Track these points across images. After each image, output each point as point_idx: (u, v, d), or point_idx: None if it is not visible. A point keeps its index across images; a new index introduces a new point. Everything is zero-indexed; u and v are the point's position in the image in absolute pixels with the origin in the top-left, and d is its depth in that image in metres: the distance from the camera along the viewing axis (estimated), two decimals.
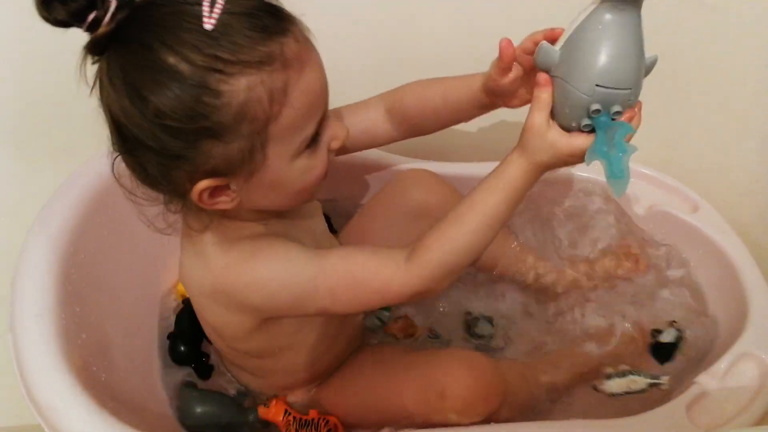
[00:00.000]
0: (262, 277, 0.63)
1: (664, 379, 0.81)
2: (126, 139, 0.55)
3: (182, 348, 0.85)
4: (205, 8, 0.52)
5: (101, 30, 0.52)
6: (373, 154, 0.95)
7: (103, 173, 0.80)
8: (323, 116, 0.60)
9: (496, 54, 0.66)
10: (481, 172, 0.95)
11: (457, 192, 0.89)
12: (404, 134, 0.78)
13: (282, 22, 0.55)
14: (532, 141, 0.60)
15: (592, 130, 0.59)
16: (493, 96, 0.70)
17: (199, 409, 0.79)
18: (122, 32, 0.52)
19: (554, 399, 0.84)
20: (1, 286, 0.72)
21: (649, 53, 0.59)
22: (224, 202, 0.59)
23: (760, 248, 0.91)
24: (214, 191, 0.58)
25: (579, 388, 0.85)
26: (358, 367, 0.82)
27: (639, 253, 0.94)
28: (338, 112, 0.74)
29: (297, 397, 0.82)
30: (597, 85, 0.57)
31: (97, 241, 0.79)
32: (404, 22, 0.92)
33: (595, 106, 0.57)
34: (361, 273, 0.63)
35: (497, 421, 0.74)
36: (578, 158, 0.60)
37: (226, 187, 0.59)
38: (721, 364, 0.77)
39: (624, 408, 0.81)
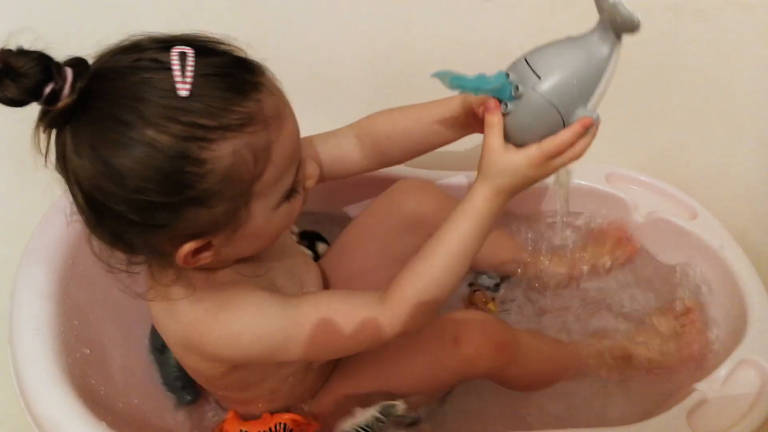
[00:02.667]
0: (231, 331, 0.61)
1: (399, 405, 0.77)
2: (98, 211, 0.52)
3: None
4: (177, 74, 0.49)
5: (62, 103, 0.48)
6: None
7: None
8: (299, 162, 0.59)
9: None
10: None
11: (453, 200, 0.89)
12: (376, 161, 0.74)
13: (254, 77, 0.53)
14: (492, 165, 0.60)
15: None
16: (473, 116, 0.67)
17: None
18: (86, 103, 0.49)
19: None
20: (0, 299, 0.72)
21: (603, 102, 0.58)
22: (206, 257, 0.57)
23: (758, 255, 0.91)
24: (196, 250, 0.56)
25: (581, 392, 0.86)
26: (359, 355, 0.79)
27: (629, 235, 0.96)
28: (310, 141, 0.72)
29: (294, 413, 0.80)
30: (525, 59, 0.57)
31: None
32: (402, 34, 0.92)
33: (512, 75, 0.57)
34: (335, 319, 0.62)
35: (508, 378, 0.79)
36: (538, 167, 0.59)
37: (208, 244, 0.56)
38: (721, 371, 0.77)
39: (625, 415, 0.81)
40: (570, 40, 0.58)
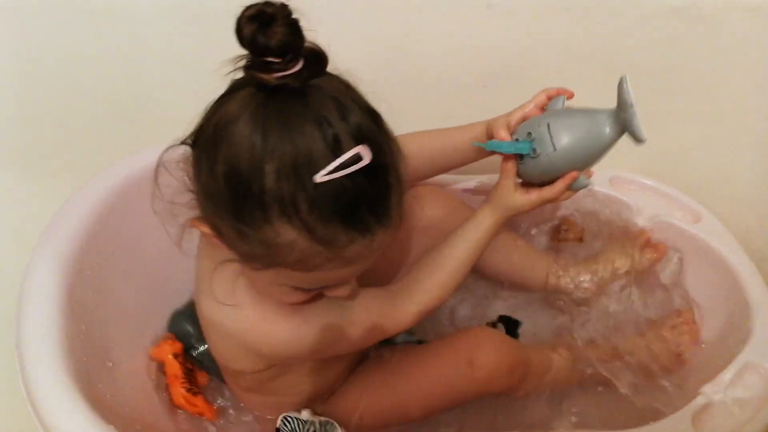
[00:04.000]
0: (288, 339, 0.65)
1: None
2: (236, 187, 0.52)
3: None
4: (336, 163, 0.49)
5: (293, 81, 0.50)
6: None
7: (108, 191, 0.81)
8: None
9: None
10: (487, 183, 0.97)
11: (465, 205, 0.90)
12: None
13: (374, 227, 0.54)
14: (502, 198, 0.72)
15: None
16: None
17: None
18: (310, 92, 0.51)
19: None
20: (8, 304, 0.72)
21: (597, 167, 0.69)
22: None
23: (762, 258, 0.91)
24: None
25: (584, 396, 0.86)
26: (374, 367, 0.83)
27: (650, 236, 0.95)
28: None
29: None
30: (548, 126, 0.67)
31: (102, 259, 0.79)
32: (404, 40, 0.93)
33: (534, 133, 0.67)
34: (379, 321, 0.71)
35: (516, 393, 0.81)
36: (530, 207, 0.72)
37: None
38: (726, 375, 0.77)
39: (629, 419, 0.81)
40: (586, 117, 0.67)
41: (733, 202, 0.98)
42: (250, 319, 0.65)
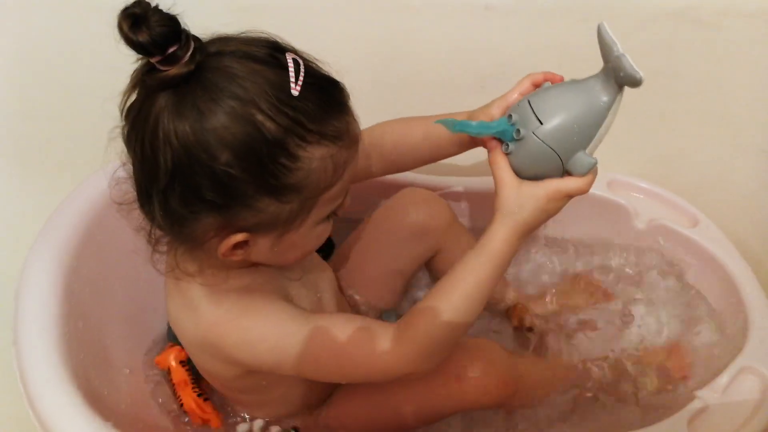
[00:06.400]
0: (251, 338, 0.62)
1: None
2: (175, 178, 0.53)
3: None
4: (292, 73, 0.53)
5: (176, 69, 0.51)
6: None
7: (106, 189, 0.81)
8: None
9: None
10: (480, 186, 0.97)
11: (454, 215, 0.89)
12: (382, 171, 0.77)
13: (346, 100, 0.58)
14: (510, 198, 0.60)
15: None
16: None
17: None
18: (200, 75, 0.52)
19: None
20: (5, 301, 0.72)
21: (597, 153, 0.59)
22: (239, 254, 0.59)
23: (759, 263, 0.91)
24: (237, 245, 0.57)
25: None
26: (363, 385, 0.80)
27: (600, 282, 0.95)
28: None
29: (302, 421, 0.80)
30: (529, 101, 0.59)
31: (99, 256, 0.79)
32: (404, 41, 0.93)
33: (515, 115, 0.59)
34: (348, 345, 0.62)
35: (508, 406, 0.79)
36: (556, 201, 0.60)
37: (246, 242, 0.58)
38: (722, 379, 0.77)
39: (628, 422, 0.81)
40: (573, 85, 0.59)
41: (731, 206, 0.98)
42: (208, 320, 0.63)
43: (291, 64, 0.53)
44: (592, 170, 0.59)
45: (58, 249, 0.74)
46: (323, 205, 0.58)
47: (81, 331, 0.72)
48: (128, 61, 0.53)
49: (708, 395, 0.76)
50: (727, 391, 0.76)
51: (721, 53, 0.90)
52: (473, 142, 0.69)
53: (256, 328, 0.62)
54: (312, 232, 0.61)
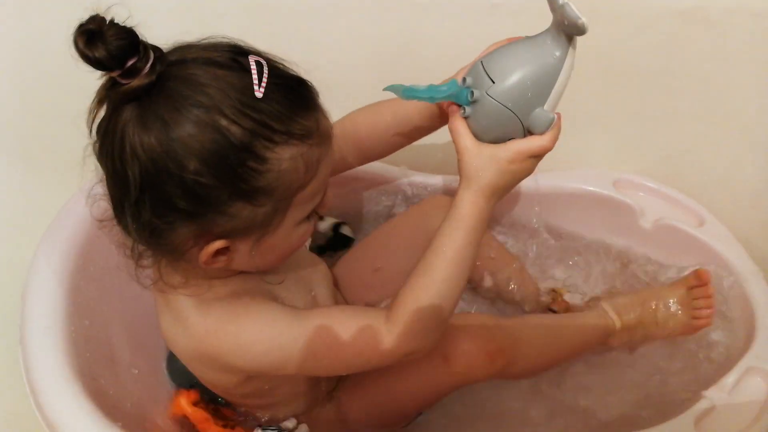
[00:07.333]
0: (244, 342, 0.62)
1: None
2: (145, 191, 0.53)
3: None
4: (255, 76, 0.53)
5: (138, 81, 0.50)
6: (376, 167, 0.96)
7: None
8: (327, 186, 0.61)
9: None
10: None
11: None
12: (359, 160, 0.77)
13: (314, 96, 0.58)
14: (471, 164, 0.60)
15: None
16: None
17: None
18: (162, 85, 0.52)
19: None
20: (12, 299, 0.72)
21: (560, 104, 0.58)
22: (221, 261, 0.59)
23: (766, 261, 0.91)
24: (218, 252, 0.57)
25: None
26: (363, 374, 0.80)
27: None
28: None
29: (313, 417, 0.80)
30: (481, 62, 0.58)
31: (106, 255, 0.79)
32: (408, 40, 0.93)
33: (469, 78, 0.58)
34: (343, 334, 0.62)
35: (510, 375, 0.78)
36: (521, 162, 0.60)
37: (227, 248, 0.58)
38: (729, 378, 0.77)
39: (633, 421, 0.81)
40: (524, 42, 0.58)
41: (737, 205, 0.98)
42: (199, 331, 0.63)
43: (254, 67, 0.53)
44: (553, 126, 0.58)
45: (65, 247, 0.75)
46: (300, 205, 0.58)
47: (87, 330, 0.72)
48: None
49: (715, 395, 0.75)
50: (734, 390, 0.76)
51: (729, 52, 0.90)
52: (443, 116, 0.67)
53: (247, 331, 0.62)
54: (293, 233, 0.60)
